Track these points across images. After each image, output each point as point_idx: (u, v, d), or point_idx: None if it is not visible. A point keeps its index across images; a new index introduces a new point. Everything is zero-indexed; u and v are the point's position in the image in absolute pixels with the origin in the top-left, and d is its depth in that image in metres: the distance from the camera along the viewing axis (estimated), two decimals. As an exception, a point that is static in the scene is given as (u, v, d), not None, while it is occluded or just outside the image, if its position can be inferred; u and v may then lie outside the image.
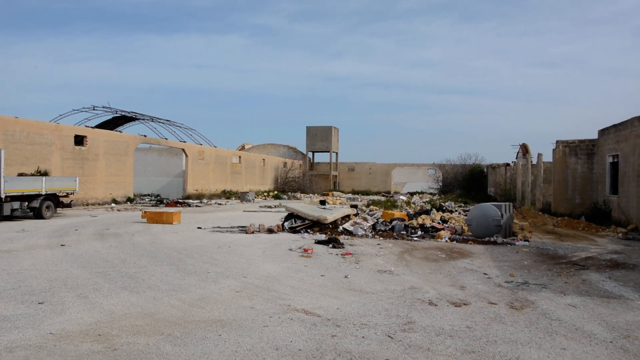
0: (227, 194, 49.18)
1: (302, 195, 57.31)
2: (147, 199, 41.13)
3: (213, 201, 41.36)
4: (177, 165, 49.59)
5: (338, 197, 48.08)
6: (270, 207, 36.29)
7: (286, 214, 22.35)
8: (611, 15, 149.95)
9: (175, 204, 36.36)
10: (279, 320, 7.24)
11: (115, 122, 42.70)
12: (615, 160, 25.04)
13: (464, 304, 8.45)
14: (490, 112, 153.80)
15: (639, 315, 7.94)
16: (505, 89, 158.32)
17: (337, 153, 74.94)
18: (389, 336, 6.57)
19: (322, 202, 37.25)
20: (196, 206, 35.79)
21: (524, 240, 17.63)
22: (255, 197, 48.23)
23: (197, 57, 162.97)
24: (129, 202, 36.83)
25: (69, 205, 25.98)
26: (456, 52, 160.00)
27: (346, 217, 21.59)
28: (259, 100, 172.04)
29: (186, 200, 39.76)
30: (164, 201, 38.82)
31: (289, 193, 58.07)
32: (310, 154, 74.43)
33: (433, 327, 7.02)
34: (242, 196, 44.01)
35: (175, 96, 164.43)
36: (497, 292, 9.46)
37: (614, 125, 25.41)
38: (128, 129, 43.79)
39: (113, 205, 34.10)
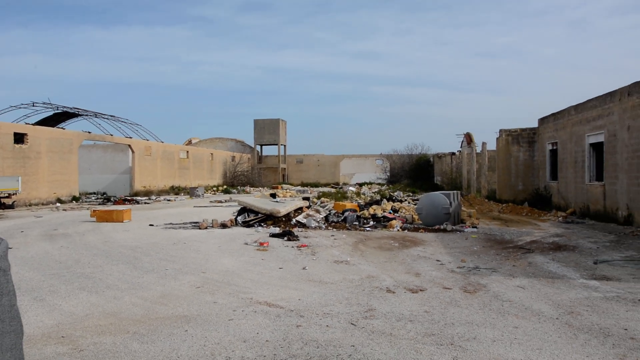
0: (175, 190, 48.53)
1: (252, 188, 57.17)
2: (93, 197, 40.15)
3: (162, 197, 40.78)
4: (123, 162, 48.55)
5: (287, 190, 48.24)
6: (220, 201, 36.08)
7: (238, 208, 22.34)
8: (547, 8, 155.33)
9: (123, 201, 35.66)
10: (243, 314, 7.36)
11: (56, 119, 41.38)
12: (555, 147, 26.18)
13: (421, 290, 8.79)
14: (434, 102, 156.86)
15: (581, 293, 8.48)
16: (448, 79, 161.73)
17: (285, 146, 74.98)
18: (352, 324, 6.80)
19: (273, 195, 37.38)
20: (145, 203, 35.22)
21: (472, 227, 18.28)
22: (205, 192, 47.79)
23: (140, 49, 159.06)
24: (74, 201, 35.88)
25: (11, 207, 25.13)
26: (400, 43, 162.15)
27: (299, 210, 21.79)
28: (204, 93, 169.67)
29: (134, 198, 39.05)
30: (112, 199, 37.99)
31: (238, 187, 57.80)
32: (258, 147, 74.20)
33: (393, 313, 7.30)
34: (191, 191, 43.53)
35: (118, 90, 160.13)
36: (451, 278, 9.86)
37: (553, 114, 26.53)
38: (71, 126, 42.68)
39: (58, 204, 33.14)
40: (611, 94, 19.82)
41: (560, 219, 21.23)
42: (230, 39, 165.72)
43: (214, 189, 54.16)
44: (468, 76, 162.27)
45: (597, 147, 21.52)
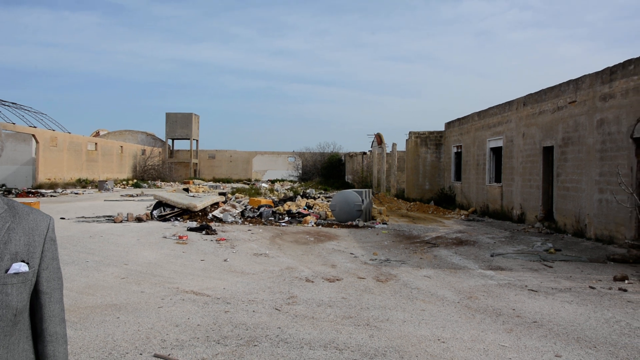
0: (83, 183, 46.82)
1: (163, 183, 56.16)
2: (-8, 189, 38.00)
3: (69, 191, 39.31)
4: (26, 153, 46.21)
5: (200, 185, 47.88)
6: (132, 195, 35.37)
7: (151, 202, 22.29)
8: (456, 17, 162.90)
9: (26, 194, 34.10)
10: (172, 302, 7.71)
11: (-50, 105, 38.80)
12: (459, 150, 27.98)
13: (337, 280, 9.48)
14: (348, 102, 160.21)
15: (479, 281, 9.51)
16: (361, 81, 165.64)
17: (197, 140, 74.03)
18: (276, 309, 7.35)
19: (186, 190, 37.10)
20: (51, 196, 33.88)
21: (383, 223, 19.32)
22: (114, 186, 46.46)
23: (44, 34, 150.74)
24: (-29, 193, 33.90)
25: None
26: (316, 43, 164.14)
27: (215, 205, 22.00)
28: (114, 84, 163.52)
29: (38, 190, 37.39)
30: (13, 191, 36.18)
31: (149, 181, 56.57)
32: (170, 142, 72.81)
33: (313, 300, 7.92)
34: (100, 185, 42.22)
35: (20, 77, 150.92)
36: (364, 269, 10.65)
37: (458, 119, 28.33)
38: (-33, 113, 39.96)
39: (-46, 196, 31.21)
40: (509, 103, 21.59)
41: (462, 217, 22.83)
42: (143, 29, 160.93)
43: (124, 182, 52.73)
44: (381, 78, 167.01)
45: (497, 151, 23.34)
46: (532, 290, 8.78)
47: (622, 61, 14.09)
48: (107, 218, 19.59)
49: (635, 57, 13.56)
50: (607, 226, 14.43)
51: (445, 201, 28.35)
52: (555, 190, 17.45)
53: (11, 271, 1.66)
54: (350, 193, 19.81)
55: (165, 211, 19.88)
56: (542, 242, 14.54)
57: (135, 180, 54.87)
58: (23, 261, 1.70)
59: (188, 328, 6.43)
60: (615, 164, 13.98)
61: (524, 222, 19.61)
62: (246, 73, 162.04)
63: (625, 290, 8.98)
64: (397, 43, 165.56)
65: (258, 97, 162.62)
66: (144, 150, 65.69)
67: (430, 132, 31.09)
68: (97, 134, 70.29)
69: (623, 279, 9.87)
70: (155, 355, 5.45)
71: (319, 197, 30.28)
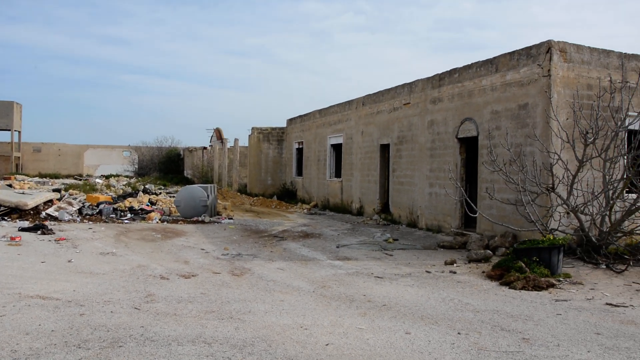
0: None
1: (-22, 179, 50.48)
2: None
3: None
4: None
5: (25, 181, 43.83)
6: (-58, 193, 31.38)
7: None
8: (293, 16, 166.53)
9: None
10: (16, 309, 7.15)
11: None
12: (301, 146, 28.92)
13: (193, 276, 9.47)
14: (186, 95, 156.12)
15: (329, 271, 10.11)
16: (199, 74, 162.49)
17: (20, 132, 67.53)
18: (135, 308, 7.19)
19: (9, 187, 33.76)
20: None
21: (229, 219, 19.43)
22: None
23: None
24: None
25: None
26: (152, 33, 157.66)
27: (49, 202, 20.43)
28: None
29: None
30: None
31: (-39, 177, 50.51)
32: (-14, 133, 65.55)
33: (172, 297, 7.86)
34: None
35: None
36: (218, 264, 10.74)
37: (300, 116, 29.27)
38: None
39: None
40: (349, 103, 22.86)
41: (305, 211, 23.71)
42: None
43: None
44: (219, 72, 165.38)
45: (337, 148, 24.56)
46: (378, 277, 9.56)
47: (448, 69, 15.71)
48: None
49: (459, 66, 15.20)
50: (436, 217, 16.00)
51: (288, 196, 29.16)
52: (391, 185, 18.90)
53: None
54: (196, 188, 19.62)
55: (-11, 210, 18.04)
56: (381, 233, 15.71)
57: (-58, 176, 48.62)
58: None
59: (41, 335, 6.06)
60: (443, 160, 15.56)
61: (363, 215, 20.92)
62: (75, 60, 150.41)
63: (455, 273, 10.15)
64: (235, 37, 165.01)
65: (89, 86, 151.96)
66: (-46, 142, 58.40)
67: (273, 128, 31.72)
68: None
69: (452, 262, 11.12)
70: (10, 364, 5.11)
71: (161, 193, 29.43)
